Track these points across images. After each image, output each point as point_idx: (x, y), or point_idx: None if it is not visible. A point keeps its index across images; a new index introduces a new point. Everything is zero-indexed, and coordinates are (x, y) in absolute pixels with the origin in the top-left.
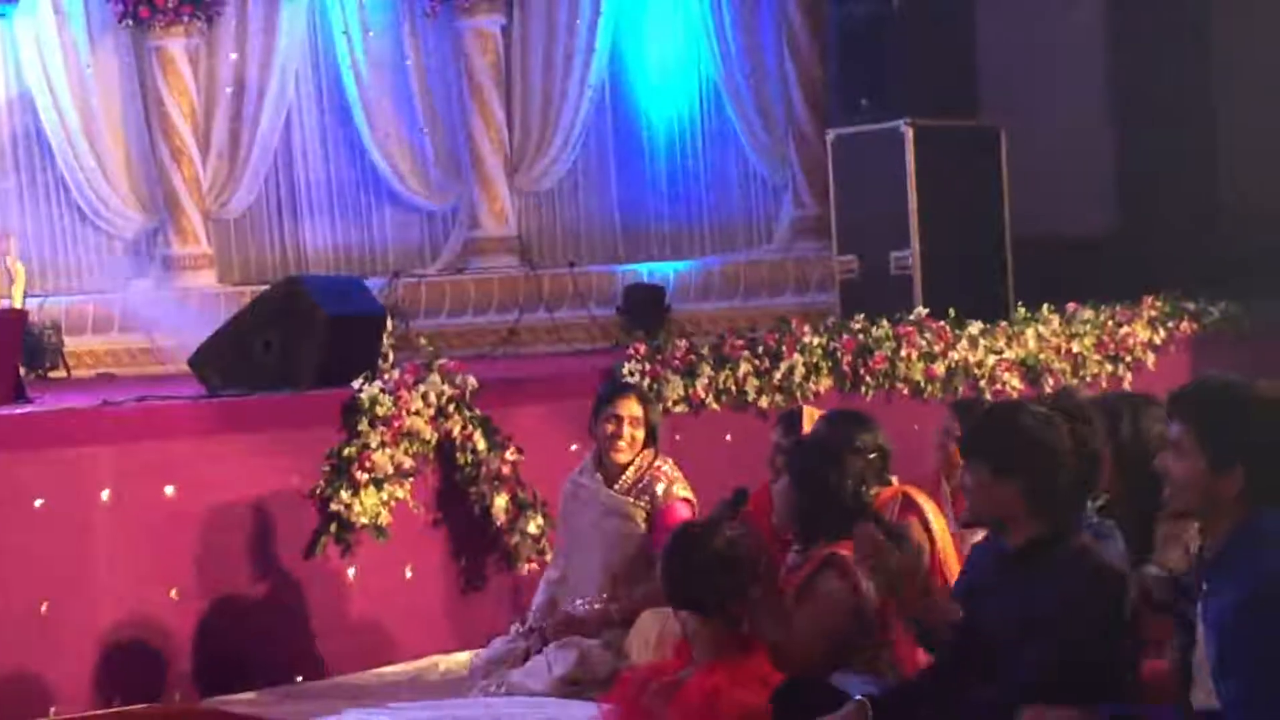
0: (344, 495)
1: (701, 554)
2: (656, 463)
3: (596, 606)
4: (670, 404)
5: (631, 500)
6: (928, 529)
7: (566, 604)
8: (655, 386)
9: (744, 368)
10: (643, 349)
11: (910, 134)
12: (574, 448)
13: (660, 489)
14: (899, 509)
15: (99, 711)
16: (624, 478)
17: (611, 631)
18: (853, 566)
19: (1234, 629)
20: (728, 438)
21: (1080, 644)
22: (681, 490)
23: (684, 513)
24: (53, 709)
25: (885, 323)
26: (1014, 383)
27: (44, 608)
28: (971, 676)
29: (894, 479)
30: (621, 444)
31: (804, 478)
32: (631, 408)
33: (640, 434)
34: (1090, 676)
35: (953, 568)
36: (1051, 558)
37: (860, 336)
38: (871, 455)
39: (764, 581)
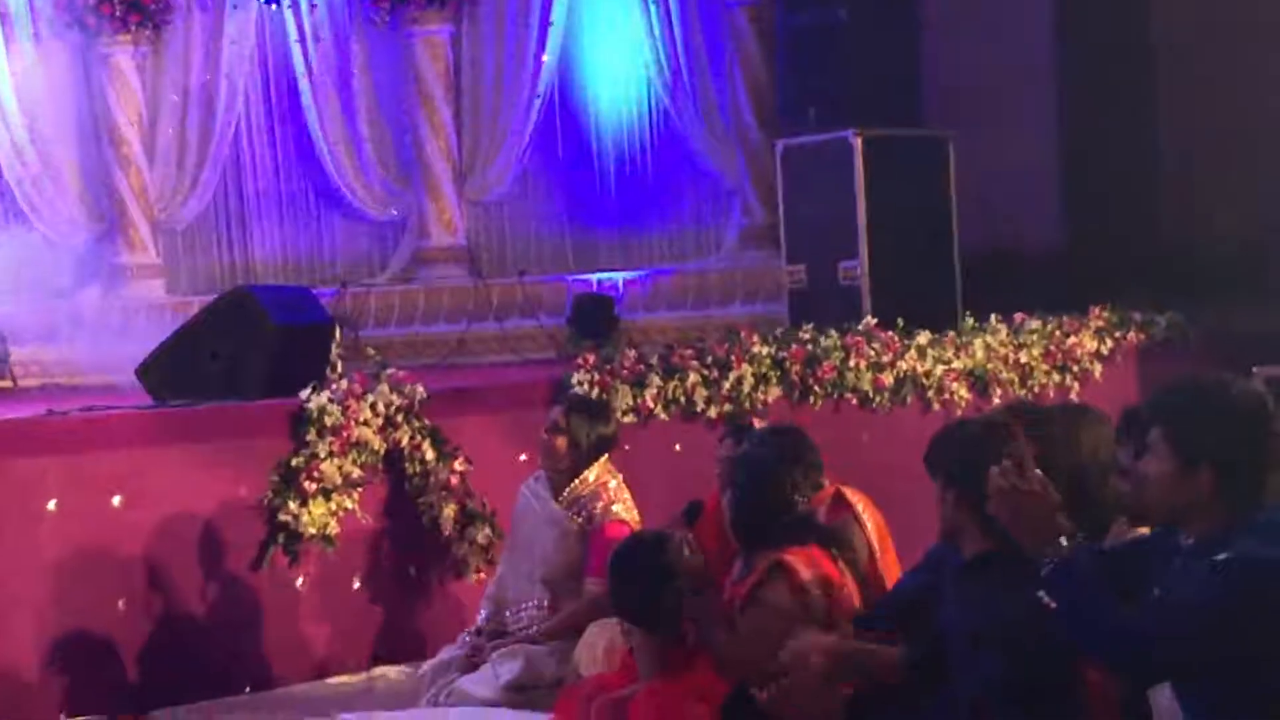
0: (292, 505)
1: (648, 568)
2: (605, 479)
3: (531, 619)
4: (619, 414)
5: (569, 514)
6: (861, 525)
7: (507, 612)
8: (604, 396)
9: (692, 378)
10: (591, 359)
11: (859, 144)
12: (523, 458)
13: (599, 507)
14: (830, 507)
15: None
16: (567, 490)
17: (558, 639)
18: (798, 573)
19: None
20: (677, 448)
21: (1028, 656)
22: (621, 511)
23: (617, 533)
24: None
25: (834, 333)
26: (962, 393)
27: None
28: (930, 678)
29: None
30: (542, 450)
31: (741, 492)
32: (556, 418)
33: (562, 443)
34: (1040, 686)
35: (891, 561)
36: (1001, 572)
37: (809, 346)
38: (806, 466)
39: (710, 593)
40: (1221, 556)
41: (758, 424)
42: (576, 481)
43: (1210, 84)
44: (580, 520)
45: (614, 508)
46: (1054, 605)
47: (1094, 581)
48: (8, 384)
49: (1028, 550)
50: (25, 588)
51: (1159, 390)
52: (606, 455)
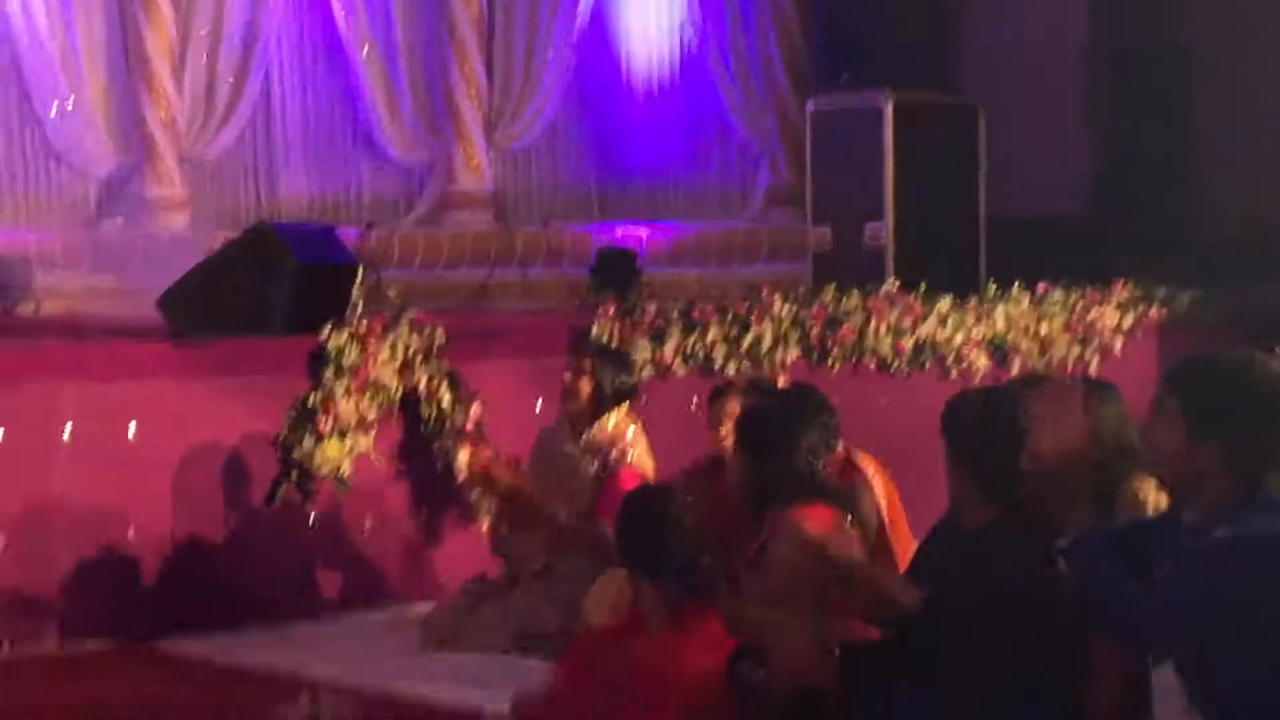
0: (306, 444)
1: (657, 518)
2: (623, 427)
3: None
4: (635, 363)
5: (586, 458)
6: (870, 491)
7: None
8: (624, 348)
9: (712, 334)
10: (612, 310)
11: (889, 108)
12: (540, 405)
13: (615, 452)
14: (840, 471)
15: (54, 648)
16: (586, 435)
17: (562, 587)
18: (804, 532)
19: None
20: (693, 403)
21: (1027, 628)
22: (637, 458)
23: (631, 481)
24: (7, 644)
25: (856, 295)
26: (981, 361)
27: (2, 541)
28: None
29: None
30: (564, 393)
31: (756, 448)
32: (581, 361)
33: (586, 387)
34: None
35: (903, 533)
36: (1002, 543)
37: (830, 308)
38: (821, 427)
39: (719, 548)
40: (1223, 534)
41: (781, 383)
42: (595, 427)
43: (1245, 62)
44: (596, 465)
45: (629, 455)
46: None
47: (1105, 559)
48: (31, 310)
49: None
50: (39, 512)
51: (1180, 362)
52: (627, 404)
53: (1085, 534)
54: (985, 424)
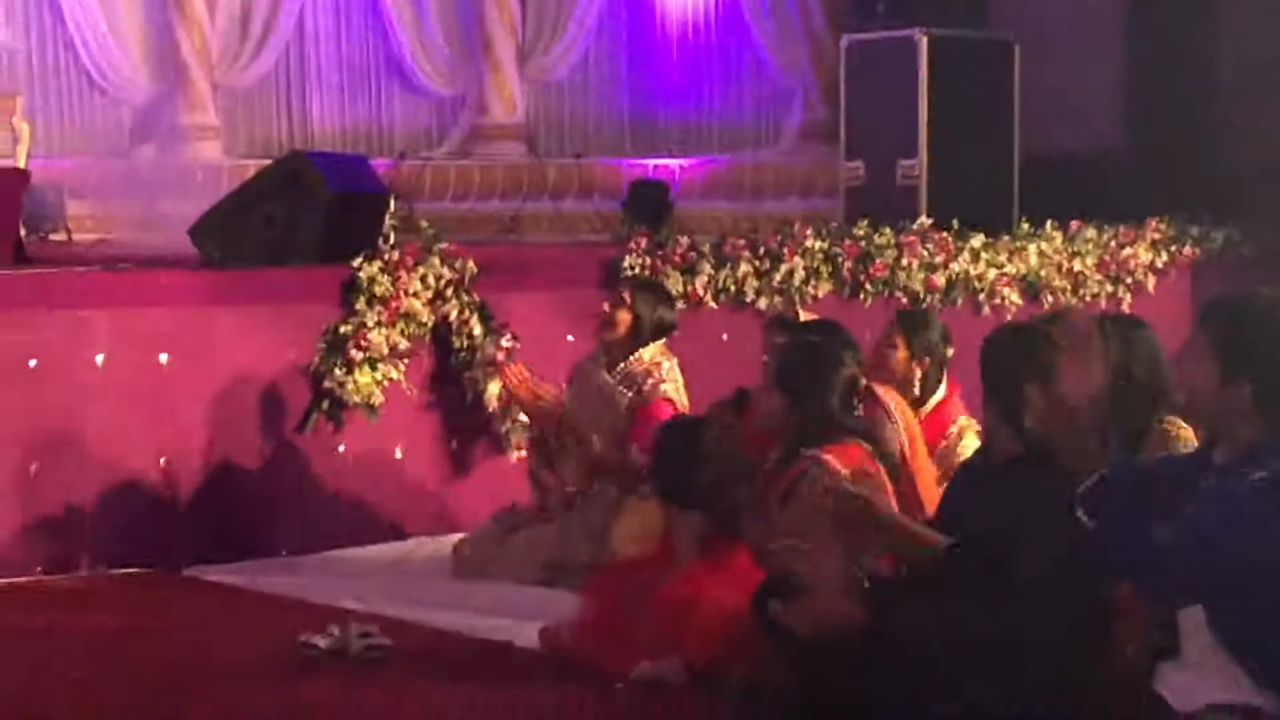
0: (338, 373)
1: (690, 449)
2: (659, 359)
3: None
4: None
5: (621, 389)
6: (893, 423)
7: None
8: (657, 278)
9: (744, 268)
10: (644, 243)
11: (924, 43)
12: (570, 338)
13: (649, 385)
14: (863, 404)
15: (84, 573)
16: (621, 366)
17: (593, 518)
18: (836, 470)
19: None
20: (724, 337)
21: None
22: (671, 391)
23: (662, 412)
24: (38, 569)
25: (888, 231)
26: (1013, 298)
27: (33, 468)
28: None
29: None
30: (603, 323)
31: (798, 385)
32: (622, 293)
33: (625, 318)
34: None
35: (922, 462)
36: (1030, 479)
37: (862, 243)
38: (851, 365)
39: (750, 482)
40: (1258, 475)
41: (804, 316)
42: (632, 359)
43: None
44: (630, 396)
45: (663, 387)
46: (1090, 524)
47: (1130, 502)
48: (62, 237)
49: (1066, 464)
50: (70, 439)
51: (1213, 299)
52: (664, 339)
53: (1103, 477)
54: (1013, 359)
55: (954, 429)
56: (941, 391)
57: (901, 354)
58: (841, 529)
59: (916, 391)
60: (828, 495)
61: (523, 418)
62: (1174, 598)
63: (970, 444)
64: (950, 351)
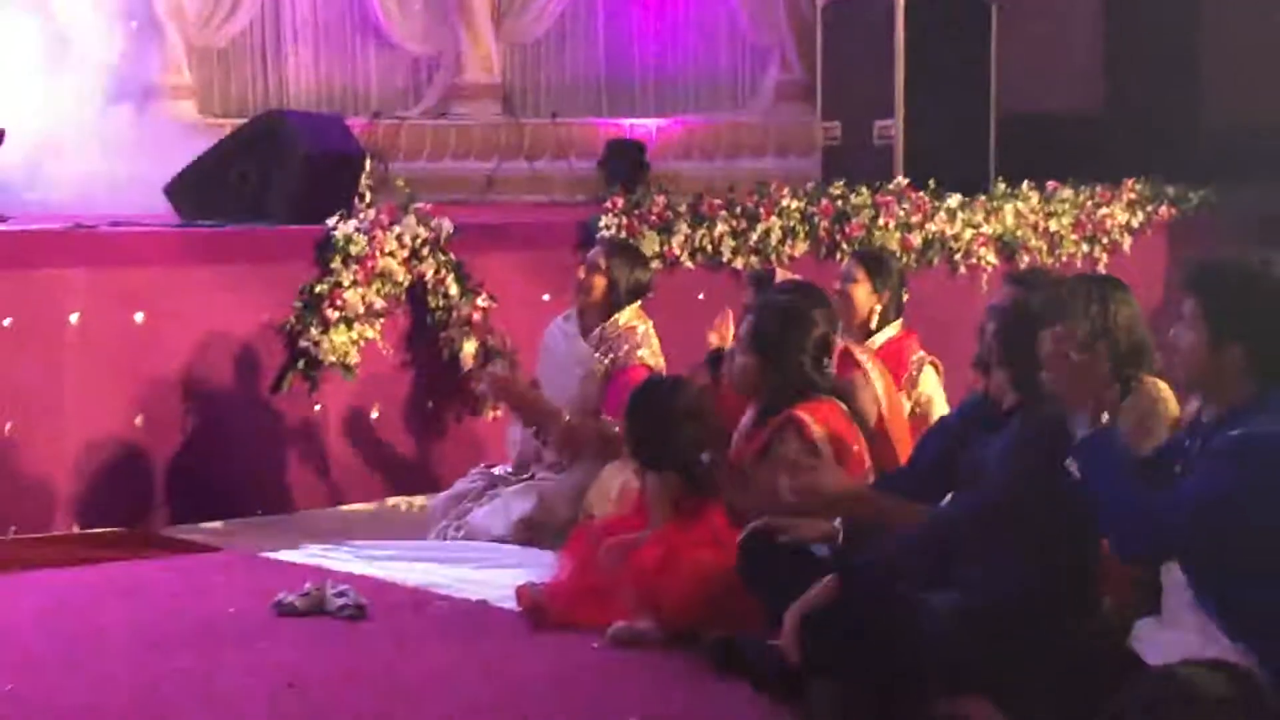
0: (313, 332)
1: (664, 410)
2: (634, 323)
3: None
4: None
5: (596, 354)
6: (869, 383)
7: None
8: (631, 241)
9: (720, 227)
10: (620, 203)
11: (901, 3)
12: (546, 297)
13: (625, 349)
14: (838, 365)
15: (59, 533)
16: (597, 330)
17: (569, 478)
18: (810, 429)
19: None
20: (700, 297)
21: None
22: (647, 355)
23: (638, 377)
24: (12, 528)
25: (865, 190)
26: (990, 258)
27: (8, 427)
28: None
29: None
30: (578, 287)
31: (771, 345)
32: (596, 257)
33: (600, 282)
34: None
35: (898, 421)
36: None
37: (839, 203)
38: (825, 324)
39: (725, 441)
40: (1235, 433)
41: (780, 273)
42: (607, 323)
43: None
44: (606, 361)
45: (640, 352)
46: (1079, 475)
47: (1121, 460)
48: (36, 196)
49: (1068, 416)
50: (45, 398)
51: (1199, 262)
52: (639, 301)
53: (1096, 433)
54: (1014, 314)
55: (914, 359)
56: (896, 329)
57: (864, 288)
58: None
59: (873, 325)
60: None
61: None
62: (1154, 560)
63: (929, 376)
64: (906, 296)
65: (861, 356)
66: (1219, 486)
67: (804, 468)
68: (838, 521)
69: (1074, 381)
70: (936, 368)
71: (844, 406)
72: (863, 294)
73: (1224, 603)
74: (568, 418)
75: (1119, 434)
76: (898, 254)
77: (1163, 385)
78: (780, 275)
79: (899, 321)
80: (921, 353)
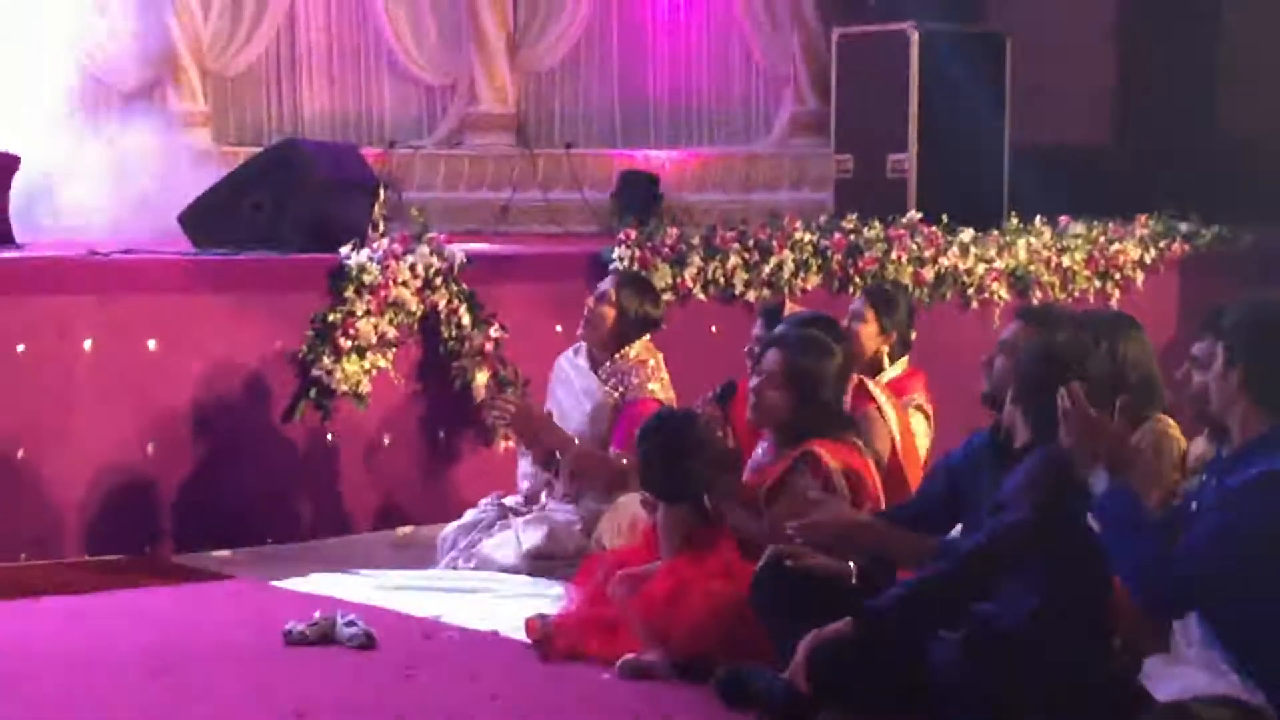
0: (326, 361)
1: (675, 443)
2: (645, 357)
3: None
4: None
5: (606, 387)
6: (883, 418)
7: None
8: (644, 273)
9: (733, 260)
10: (633, 235)
11: (916, 37)
12: (559, 329)
13: (635, 382)
14: (852, 399)
15: (70, 560)
16: (608, 364)
17: (579, 510)
18: (826, 463)
19: (1232, 500)
20: (713, 329)
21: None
22: (657, 390)
23: (649, 410)
24: (23, 555)
25: (878, 224)
26: (1002, 292)
27: (19, 454)
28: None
29: None
30: (587, 319)
31: (805, 381)
32: (606, 288)
33: (609, 314)
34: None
35: (912, 456)
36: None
37: (852, 236)
38: (845, 359)
39: (737, 473)
40: (1255, 470)
41: (789, 306)
42: (617, 356)
43: None
44: (616, 394)
45: (650, 385)
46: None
47: (1139, 518)
48: (50, 222)
49: (1081, 471)
50: (57, 425)
51: (1220, 307)
52: (650, 335)
53: (1111, 490)
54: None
55: (906, 400)
56: (901, 367)
57: (871, 328)
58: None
59: (886, 364)
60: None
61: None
62: (1175, 612)
63: (918, 424)
64: (914, 334)
65: (875, 391)
66: (1241, 523)
67: (811, 503)
68: (851, 564)
69: (1090, 439)
70: (926, 415)
71: (858, 442)
72: (869, 333)
73: (1236, 640)
74: (578, 446)
75: (1133, 492)
76: (911, 289)
77: (1171, 422)
78: (789, 308)
79: (905, 360)
80: (915, 396)
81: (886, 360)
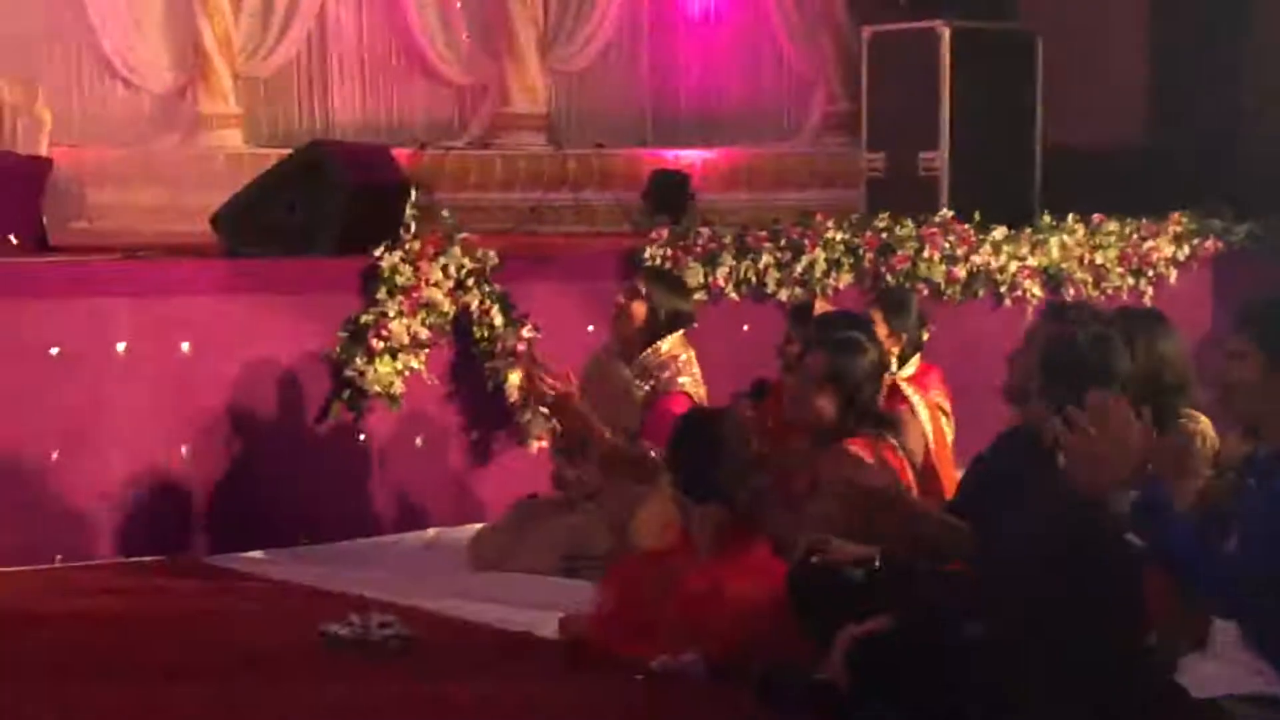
0: (359, 362)
1: (709, 441)
2: (677, 351)
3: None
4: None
5: (638, 381)
6: (916, 418)
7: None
8: (676, 272)
9: (765, 259)
10: (665, 234)
11: (947, 34)
12: (591, 328)
13: (665, 375)
14: (885, 399)
15: (104, 561)
16: (639, 359)
17: (612, 509)
18: (865, 462)
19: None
20: (745, 328)
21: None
22: (688, 384)
23: (678, 405)
24: (58, 557)
25: (909, 223)
26: (1035, 290)
27: (55, 456)
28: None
29: None
30: (617, 317)
31: (848, 382)
32: (636, 284)
33: (640, 310)
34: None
35: (945, 456)
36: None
37: (883, 235)
38: (878, 357)
39: (770, 472)
40: None
41: (819, 305)
42: (649, 351)
43: None
44: (647, 388)
45: (680, 379)
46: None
47: (1177, 517)
48: (84, 225)
49: (1082, 491)
50: (91, 427)
51: (1251, 302)
52: (682, 331)
53: (1150, 493)
54: (1081, 368)
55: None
56: (912, 366)
57: (880, 330)
58: (862, 521)
59: (894, 365)
60: (849, 487)
61: (542, 407)
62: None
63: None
64: (926, 335)
65: (908, 391)
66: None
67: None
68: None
69: (1101, 465)
70: (945, 412)
71: (894, 441)
72: (879, 337)
73: (1274, 639)
74: (610, 438)
75: (1166, 493)
76: (944, 288)
77: (1203, 419)
78: (819, 307)
79: (917, 358)
80: (933, 394)
81: (895, 362)
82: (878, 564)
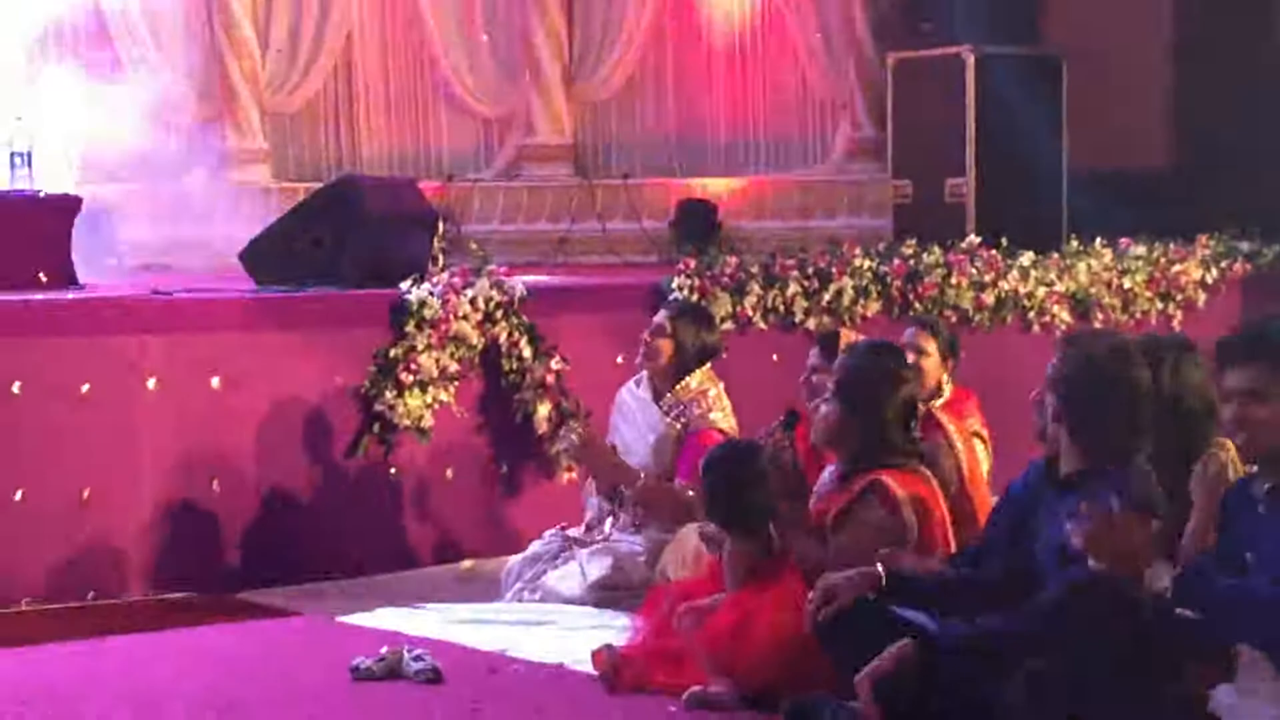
0: (388, 396)
1: (739, 474)
2: (706, 386)
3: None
4: (717, 321)
5: (669, 419)
6: (951, 448)
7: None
8: (704, 302)
9: (793, 288)
10: (692, 264)
11: (972, 61)
12: (619, 360)
13: (697, 413)
14: (921, 428)
15: (135, 598)
16: (669, 395)
17: (644, 541)
18: (894, 493)
19: None
20: (774, 358)
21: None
22: (719, 419)
23: (711, 440)
24: (90, 594)
25: (937, 249)
26: (1063, 315)
27: (85, 493)
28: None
29: None
30: (645, 353)
31: (858, 399)
32: (661, 321)
33: (667, 347)
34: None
35: (980, 485)
36: (1096, 486)
37: (911, 262)
38: (914, 389)
39: (802, 503)
40: None
41: (845, 334)
42: (679, 387)
43: None
44: (679, 426)
45: (712, 415)
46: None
47: (1217, 579)
48: (113, 261)
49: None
50: (122, 464)
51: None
52: (709, 363)
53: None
54: (1093, 384)
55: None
56: (948, 389)
57: (933, 359)
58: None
59: (946, 391)
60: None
61: (572, 438)
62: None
63: (977, 448)
64: (958, 359)
65: (945, 421)
66: None
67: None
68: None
69: (1116, 564)
70: (984, 439)
71: (927, 471)
72: (932, 365)
73: None
74: (643, 478)
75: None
76: (972, 314)
77: (1230, 445)
78: (846, 336)
79: (949, 385)
80: (971, 422)
81: (947, 387)
82: (883, 580)
